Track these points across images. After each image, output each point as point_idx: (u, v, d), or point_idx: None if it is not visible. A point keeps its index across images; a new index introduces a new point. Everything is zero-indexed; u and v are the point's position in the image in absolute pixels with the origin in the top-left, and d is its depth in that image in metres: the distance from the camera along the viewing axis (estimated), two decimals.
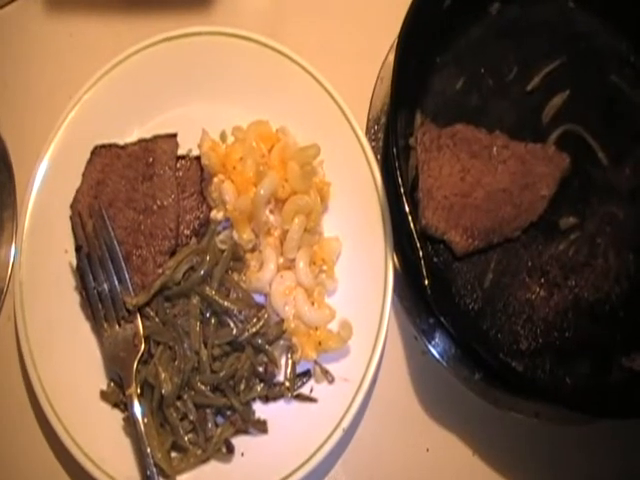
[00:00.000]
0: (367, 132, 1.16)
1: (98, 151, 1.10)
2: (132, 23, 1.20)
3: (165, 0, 1.20)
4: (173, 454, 1.01)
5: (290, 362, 1.05)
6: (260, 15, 1.22)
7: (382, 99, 1.17)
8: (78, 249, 1.06)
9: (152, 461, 0.98)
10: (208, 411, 1.01)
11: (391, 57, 1.16)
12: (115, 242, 1.05)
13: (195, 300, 1.03)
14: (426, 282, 0.96)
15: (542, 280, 1.09)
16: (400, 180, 0.99)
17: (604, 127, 1.14)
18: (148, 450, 0.98)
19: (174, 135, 1.11)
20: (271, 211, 1.05)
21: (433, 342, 1.08)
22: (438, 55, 1.16)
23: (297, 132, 1.11)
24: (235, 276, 1.06)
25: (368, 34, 1.21)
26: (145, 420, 1.00)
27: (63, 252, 1.08)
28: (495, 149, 1.11)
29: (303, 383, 1.05)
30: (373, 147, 1.12)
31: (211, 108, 1.14)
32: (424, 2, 1.06)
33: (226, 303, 1.02)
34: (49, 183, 1.09)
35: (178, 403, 1.01)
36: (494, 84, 1.15)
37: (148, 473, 0.98)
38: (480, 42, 1.17)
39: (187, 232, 1.07)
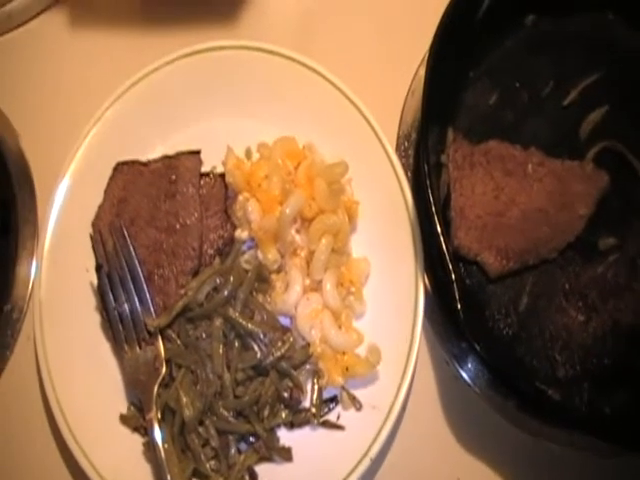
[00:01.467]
0: (397, 149, 1.13)
1: (120, 168, 1.08)
2: (155, 37, 1.17)
3: (190, 14, 1.18)
4: None
5: (316, 387, 1.01)
6: (287, 29, 1.19)
7: (413, 114, 1.14)
8: (98, 268, 1.04)
9: None
10: (231, 437, 0.98)
11: (422, 71, 1.10)
12: (136, 261, 1.03)
13: (218, 322, 1.00)
14: (458, 306, 0.93)
15: (580, 304, 1.05)
16: (431, 199, 0.96)
17: None
18: (168, 477, 0.95)
19: (198, 152, 1.08)
20: (297, 231, 1.02)
21: (465, 367, 1.05)
22: (471, 69, 1.13)
23: (324, 149, 1.08)
24: (260, 297, 1.03)
25: (398, 47, 1.18)
26: (166, 446, 0.97)
27: (84, 271, 1.06)
28: (530, 166, 1.07)
29: (330, 410, 1.01)
30: (403, 164, 1.09)
31: (236, 124, 1.11)
32: (456, 14, 1.03)
33: (250, 325, 0.99)
34: (71, 200, 1.07)
35: (200, 429, 0.98)
36: (529, 99, 1.12)
37: None
38: (514, 55, 1.14)
39: (210, 252, 1.05)
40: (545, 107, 1.12)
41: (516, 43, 1.14)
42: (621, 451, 1.01)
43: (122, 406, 1.02)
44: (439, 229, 0.95)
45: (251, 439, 0.99)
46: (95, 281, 1.04)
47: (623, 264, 1.06)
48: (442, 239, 0.95)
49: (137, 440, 1.00)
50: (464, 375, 1.04)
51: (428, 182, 0.96)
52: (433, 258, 1.03)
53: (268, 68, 1.11)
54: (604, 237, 1.07)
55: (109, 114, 1.09)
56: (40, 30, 1.20)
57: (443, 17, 1.02)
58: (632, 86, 1.12)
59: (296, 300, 1.01)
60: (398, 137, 1.14)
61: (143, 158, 1.09)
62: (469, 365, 1.05)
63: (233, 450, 0.98)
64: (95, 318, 1.04)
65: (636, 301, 1.05)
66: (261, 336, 0.99)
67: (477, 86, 1.12)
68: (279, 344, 0.99)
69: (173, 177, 1.06)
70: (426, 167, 0.97)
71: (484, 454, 1.04)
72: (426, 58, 1.03)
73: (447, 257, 0.94)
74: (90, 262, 1.05)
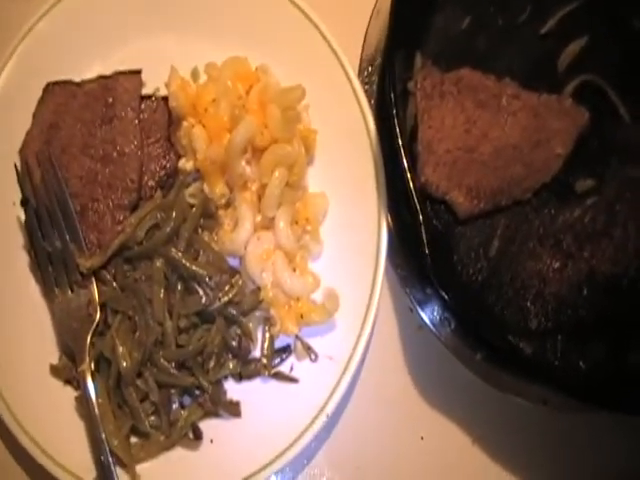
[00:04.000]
0: (360, 73, 1.06)
1: (51, 89, 1.00)
2: None
3: None
4: (132, 440, 0.94)
5: (267, 336, 0.96)
6: None
7: (378, 36, 1.07)
8: (25, 203, 0.96)
9: (108, 448, 0.90)
10: (173, 391, 0.94)
11: None
12: (67, 195, 0.95)
13: (159, 263, 0.93)
14: (426, 250, 0.88)
15: (554, 249, 0.99)
16: (397, 131, 0.90)
17: (627, 79, 1.03)
18: (103, 435, 0.90)
19: (138, 72, 1.01)
20: (248, 162, 0.95)
21: (430, 315, 0.99)
22: None
23: (279, 71, 1.01)
24: (206, 236, 0.97)
25: None
26: (100, 400, 0.92)
27: (11, 204, 0.99)
28: (505, 99, 1.01)
29: (282, 360, 0.96)
30: (366, 91, 1.03)
31: (181, 41, 1.03)
32: None
33: (194, 267, 0.93)
34: None
35: (138, 381, 0.92)
36: (504, 25, 1.05)
37: (103, 461, 0.90)
38: None
39: (151, 183, 0.98)
40: (521, 35, 1.05)
41: None
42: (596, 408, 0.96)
43: (53, 356, 0.96)
44: (405, 165, 0.90)
45: (195, 393, 0.94)
46: (23, 216, 0.97)
47: (601, 208, 1.00)
48: (409, 176, 0.90)
49: (70, 394, 0.94)
50: (429, 324, 0.98)
51: (394, 112, 0.91)
52: (398, 196, 0.98)
53: None
54: (581, 179, 1.01)
55: (39, 27, 1.01)
56: None
57: None
58: (614, 16, 1.05)
59: (246, 239, 0.95)
60: (361, 60, 1.07)
61: (77, 78, 1.01)
62: (434, 313, 0.99)
63: (175, 405, 0.93)
64: (23, 257, 0.98)
65: (614, 248, 1.00)
66: (206, 279, 0.93)
67: (449, 8, 1.05)
68: (226, 288, 0.94)
69: (110, 100, 0.99)
70: (392, 95, 0.92)
71: (450, 410, 1.00)
72: None
73: (414, 196, 0.89)
74: (17, 195, 0.98)
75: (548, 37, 1.05)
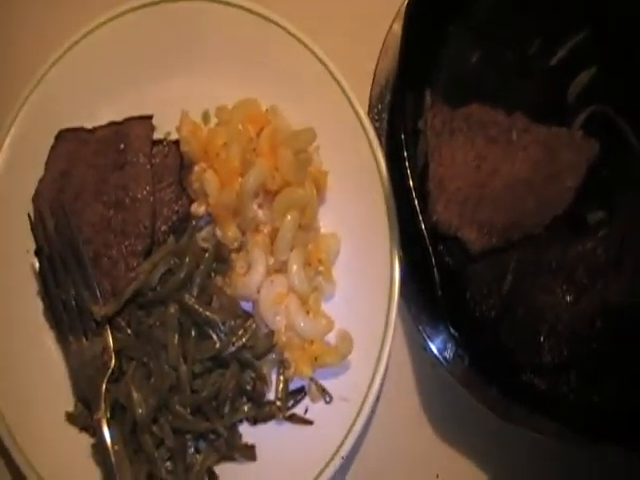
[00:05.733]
0: (370, 111, 1.06)
1: (63, 136, 1.00)
2: None
3: None
4: None
5: (282, 379, 0.95)
6: None
7: (386, 73, 1.07)
8: (39, 252, 0.96)
9: None
10: (188, 436, 0.92)
11: (397, 26, 1.06)
12: (80, 243, 0.95)
13: (173, 309, 0.92)
14: (439, 292, 0.89)
15: (567, 282, 0.98)
16: (408, 172, 0.91)
17: (636, 107, 1.02)
18: None
19: (149, 117, 1.00)
20: (259, 205, 0.95)
21: (444, 352, 0.98)
22: (451, 24, 1.04)
23: (290, 112, 1.01)
24: (219, 280, 0.96)
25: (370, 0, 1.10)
26: (116, 447, 0.91)
27: (24, 252, 0.98)
28: (515, 133, 1.00)
29: (296, 402, 0.95)
30: (376, 128, 1.03)
31: (192, 85, 1.03)
32: None
33: (208, 313, 0.92)
34: (8, 173, 0.99)
35: (154, 428, 0.92)
36: (514, 58, 1.04)
37: None
38: (499, 10, 1.05)
39: (164, 228, 0.97)
40: (531, 68, 1.04)
41: None
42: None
43: (68, 403, 0.95)
44: (417, 207, 0.90)
45: (211, 437, 0.93)
46: (37, 263, 0.97)
47: (613, 239, 1.00)
48: (420, 218, 0.90)
49: (86, 441, 0.93)
50: (442, 361, 0.98)
51: (405, 154, 0.91)
52: (410, 235, 0.97)
53: (226, 22, 1.03)
54: (593, 210, 1.00)
55: (50, 75, 1.01)
56: None
57: None
58: (622, 44, 1.04)
59: (259, 283, 0.94)
60: (370, 99, 1.07)
61: (89, 125, 1.01)
62: (448, 350, 0.98)
63: (191, 450, 0.93)
64: (38, 304, 0.97)
65: (627, 279, 0.99)
66: (220, 324, 0.92)
67: (457, 44, 1.04)
68: (240, 332, 0.93)
69: (122, 146, 0.98)
70: (402, 136, 0.92)
71: (465, 447, 0.99)
72: (402, 12, 0.98)
73: (426, 239, 0.89)
74: (31, 242, 0.98)
75: (557, 69, 1.04)
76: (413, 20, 0.95)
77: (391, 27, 1.08)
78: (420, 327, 0.99)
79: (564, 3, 1.05)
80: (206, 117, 1.02)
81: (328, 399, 0.94)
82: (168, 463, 0.92)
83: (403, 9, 0.97)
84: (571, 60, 1.04)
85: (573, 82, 1.03)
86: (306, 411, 0.95)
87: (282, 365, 0.95)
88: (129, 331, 0.94)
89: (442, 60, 1.04)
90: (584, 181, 0.99)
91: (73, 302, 0.94)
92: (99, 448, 0.91)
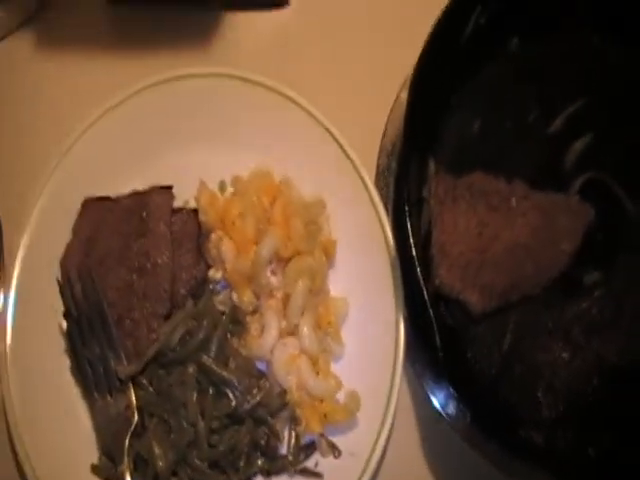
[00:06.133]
0: (377, 178, 1.09)
1: (88, 204, 1.04)
2: (126, 64, 1.12)
3: (162, 39, 1.14)
4: None
5: (293, 434, 0.99)
6: (261, 55, 1.13)
7: (393, 141, 1.10)
8: (66, 313, 1.00)
9: None
10: None
11: (403, 95, 1.09)
12: (105, 306, 0.99)
13: (192, 369, 0.96)
14: (440, 354, 0.93)
15: (564, 341, 1.01)
16: (411, 240, 0.94)
17: (631, 173, 1.06)
18: None
19: (169, 187, 1.04)
20: (273, 272, 0.99)
21: (447, 408, 0.99)
22: (453, 95, 1.08)
23: (301, 182, 1.04)
24: (235, 341, 1.00)
25: (378, 71, 1.14)
26: None
27: (53, 311, 1.02)
28: (514, 200, 1.04)
29: (307, 457, 0.98)
30: (383, 195, 1.06)
31: (209, 155, 1.07)
32: (441, 36, 0.99)
33: (224, 373, 0.96)
34: (38, 238, 1.02)
35: None
36: (513, 127, 1.08)
37: None
38: (498, 81, 1.09)
39: (183, 292, 1.01)
40: (529, 136, 1.07)
41: (500, 68, 1.09)
42: None
43: (93, 456, 0.98)
44: (419, 276, 0.93)
45: None
46: (64, 322, 1.01)
47: (608, 300, 1.03)
48: (422, 285, 0.93)
49: None
50: (445, 417, 1.00)
51: (408, 224, 0.94)
52: (413, 300, 1.00)
53: (241, 96, 1.06)
54: (589, 272, 1.03)
55: (75, 149, 1.04)
56: (3, 55, 1.15)
57: (428, 39, 0.98)
58: (617, 112, 1.08)
59: (272, 345, 0.98)
60: (377, 166, 1.10)
61: (113, 193, 1.05)
62: (450, 406, 0.99)
63: None
64: (64, 361, 1.00)
65: (622, 338, 1.02)
66: (236, 383, 0.96)
67: (459, 114, 1.08)
68: (254, 391, 0.96)
69: (144, 214, 1.02)
70: (406, 207, 0.95)
71: None
72: (408, 82, 0.99)
73: (428, 306, 0.92)
74: (59, 302, 1.01)
75: (554, 137, 1.06)
76: (418, 90, 0.97)
77: (398, 96, 1.11)
78: (424, 384, 1.01)
79: (563, 73, 1.08)
80: (222, 186, 1.05)
81: (337, 454, 0.97)
82: None
83: (409, 79, 0.99)
84: (568, 128, 1.07)
85: (570, 149, 1.06)
86: (316, 465, 0.98)
87: (294, 422, 0.98)
88: (151, 389, 0.97)
89: (445, 129, 1.06)
90: (580, 244, 1.02)
91: (98, 361, 0.97)
92: None
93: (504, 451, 0.98)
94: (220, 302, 1.00)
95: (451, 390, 0.98)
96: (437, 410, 1.00)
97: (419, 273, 0.94)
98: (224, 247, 0.99)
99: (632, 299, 1.03)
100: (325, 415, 0.97)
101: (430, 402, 1.00)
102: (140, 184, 1.05)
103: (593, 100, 1.08)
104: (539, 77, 1.09)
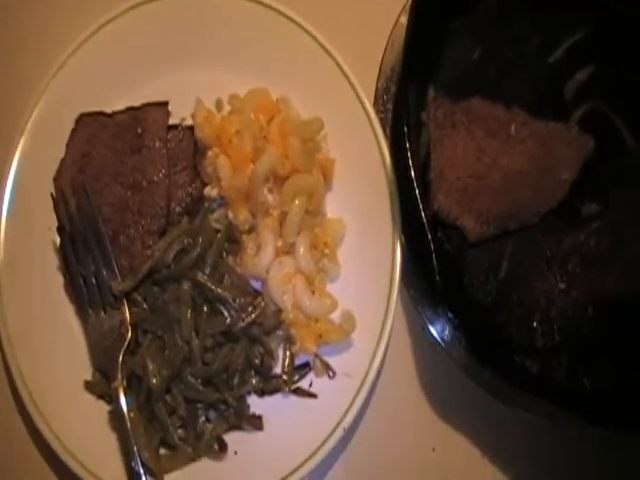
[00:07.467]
0: (375, 102, 1.08)
1: (83, 120, 1.03)
2: None
3: None
4: (162, 451, 0.96)
5: (288, 354, 0.99)
6: None
7: (392, 66, 1.09)
8: (61, 230, 0.99)
9: (139, 459, 0.93)
10: (199, 406, 0.96)
11: (403, 19, 1.08)
12: (100, 222, 0.98)
13: (186, 286, 0.96)
14: (437, 277, 0.92)
15: (561, 271, 1.02)
16: (410, 162, 0.93)
17: (632, 106, 1.06)
18: (134, 447, 0.93)
19: (165, 103, 1.03)
20: (269, 190, 0.98)
21: (442, 334, 1.00)
22: (453, 20, 1.07)
23: (299, 102, 1.04)
24: (230, 259, 0.99)
25: None
26: (132, 415, 0.94)
27: (47, 229, 1.01)
28: (513, 127, 1.03)
29: (302, 376, 0.99)
30: (382, 119, 1.05)
31: (206, 74, 1.06)
32: None
33: (219, 290, 0.96)
34: (31, 154, 1.02)
35: (167, 397, 0.95)
36: (513, 55, 1.07)
37: (135, 471, 0.92)
38: (499, 7, 1.08)
39: (178, 209, 1.00)
40: (529, 64, 1.07)
41: None
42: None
43: (87, 372, 0.98)
44: (418, 194, 0.93)
45: (220, 407, 0.97)
46: (58, 239, 1.00)
47: (606, 231, 1.03)
48: (421, 207, 0.93)
49: (103, 408, 0.97)
50: (440, 341, 1.00)
51: (407, 145, 0.93)
52: (411, 222, 0.99)
53: (240, 15, 1.05)
54: (587, 203, 1.04)
55: (71, 62, 1.03)
56: None
57: None
58: (619, 45, 1.07)
59: (268, 263, 0.97)
60: (376, 90, 1.09)
61: (107, 109, 1.04)
62: (446, 332, 1.00)
63: (201, 419, 0.96)
64: (58, 278, 1.00)
65: (618, 270, 1.02)
66: (231, 301, 0.96)
67: (459, 40, 1.07)
68: (250, 309, 0.96)
69: (139, 130, 1.01)
70: (405, 129, 0.94)
71: (460, 423, 1.02)
72: (408, 5, 0.99)
73: (426, 228, 0.92)
74: (52, 219, 1.00)
75: (555, 66, 1.06)
76: (418, 14, 0.97)
77: (398, 20, 1.09)
78: (420, 310, 1.01)
79: (564, 3, 1.07)
80: (219, 104, 1.04)
81: (331, 374, 0.97)
82: (180, 431, 0.95)
83: (410, 3, 0.99)
84: (569, 58, 1.07)
85: (571, 79, 1.06)
86: (310, 385, 0.98)
87: (288, 341, 0.98)
88: (145, 306, 0.97)
89: (445, 55, 1.06)
90: (579, 175, 1.02)
91: (92, 277, 0.97)
92: (115, 415, 0.94)
93: (498, 377, 0.98)
94: (216, 220, 1.00)
95: (447, 315, 0.98)
96: (432, 335, 1.00)
97: (417, 195, 0.93)
98: (220, 164, 0.98)
99: (629, 230, 1.03)
100: (320, 335, 0.97)
101: (426, 327, 1.01)
102: (135, 101, 1.04)
103: (596, 32, 1.07)
104: (540, 7, 1.08)
